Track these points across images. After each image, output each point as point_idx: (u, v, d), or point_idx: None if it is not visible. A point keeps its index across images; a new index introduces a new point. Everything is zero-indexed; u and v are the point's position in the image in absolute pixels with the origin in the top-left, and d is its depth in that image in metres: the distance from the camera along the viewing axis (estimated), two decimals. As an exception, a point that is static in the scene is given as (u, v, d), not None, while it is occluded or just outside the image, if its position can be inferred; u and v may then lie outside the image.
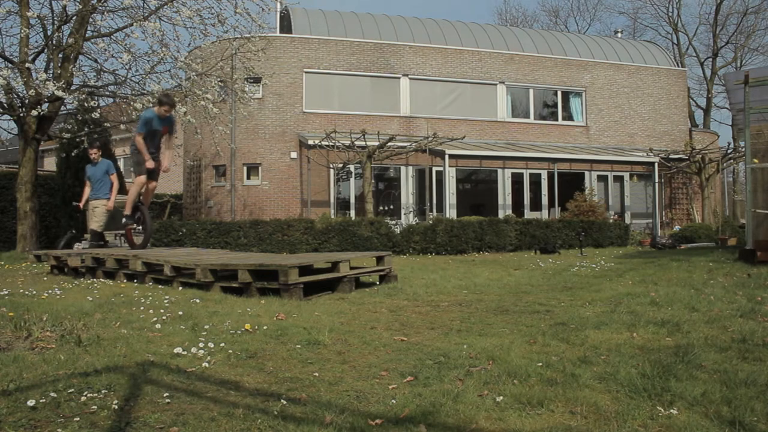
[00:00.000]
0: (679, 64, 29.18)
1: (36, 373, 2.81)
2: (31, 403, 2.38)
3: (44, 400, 2.42)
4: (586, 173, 19.71)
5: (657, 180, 18.95)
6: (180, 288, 5.84)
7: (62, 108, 11.77)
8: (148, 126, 7.25)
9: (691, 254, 10.25)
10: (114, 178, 9.27)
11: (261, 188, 17.84)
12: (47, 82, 9.72)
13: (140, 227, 7.85)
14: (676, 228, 17.69)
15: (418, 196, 18.60)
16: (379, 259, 6.33)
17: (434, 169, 17.51)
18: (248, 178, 17.98)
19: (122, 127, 12.94)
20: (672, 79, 22.04)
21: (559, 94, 20.79)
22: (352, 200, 18.19)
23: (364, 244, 11.94)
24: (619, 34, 26.04)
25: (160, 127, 7.38)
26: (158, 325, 3.91)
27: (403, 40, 19.29)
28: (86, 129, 12.15)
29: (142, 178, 7.37)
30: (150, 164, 7.25)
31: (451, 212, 16.76)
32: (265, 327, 3.89)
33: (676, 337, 3.47)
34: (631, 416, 2.25)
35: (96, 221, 9.16)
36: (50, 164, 23.53)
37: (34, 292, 5.52)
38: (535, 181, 19.52)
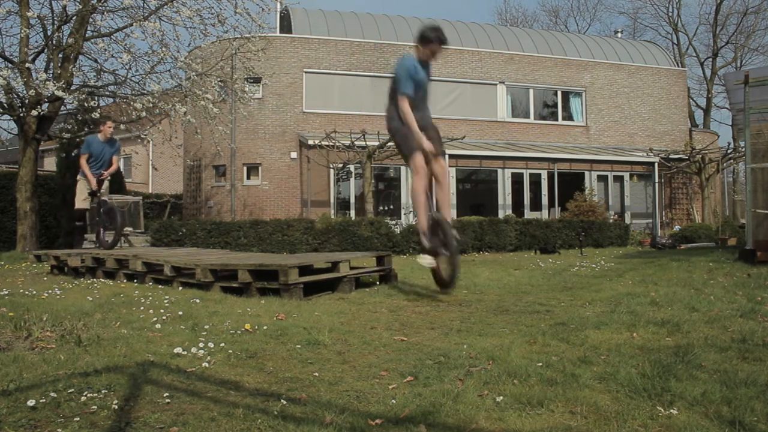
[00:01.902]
0: (679, 64, 29.18)
1: (36, 373, 2.81)
2: (31, 403, 2.37)
3: (44, 400, 2.42)
4: (586, 173, 19.71)
5: (657, 180, 18.96)
6: (180, 288, 5.84)
7: (62, 108, 11.78)
8: (412, 78, 4.77)
9: (691, 254, 10.24)
10: (116, 160, 8.51)
11: (261, 188, 17.84)
12: (47, 82, 9.72)
13: (445, 250, 4.96)
14: (676, 228, 17.69)
15: (418, 196, 18.56)
16: (380, 260, 6.33)
17: (434, 169, 17.48)
18: (248, 178, 17.98)
19: (122, 127, 12.94)
20: (672, 79, 22.04)
21: (559, 94, 20.79)
22: (352, 200, 18.19)
23: (364, 244, 11.94)
24: (619, 34, 26.05)
25: (426, 78, 5.05)
26: (158, 325, 3.91)
27: (403, 40, 19.29)
28: (86, 129, 12.15)
29: (418, 158, 4.77)
30: (423, 141, 4.74)
31: (451, 212, 16.74)
32: (265, 327, 3.88)
33: (676, 337, 3.47)
34: (631, 416, 2.25)
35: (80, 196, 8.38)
36: (50, 164, 23.52)
37: (34, 292, 5.52)
38: (535, 181, 19.52)
